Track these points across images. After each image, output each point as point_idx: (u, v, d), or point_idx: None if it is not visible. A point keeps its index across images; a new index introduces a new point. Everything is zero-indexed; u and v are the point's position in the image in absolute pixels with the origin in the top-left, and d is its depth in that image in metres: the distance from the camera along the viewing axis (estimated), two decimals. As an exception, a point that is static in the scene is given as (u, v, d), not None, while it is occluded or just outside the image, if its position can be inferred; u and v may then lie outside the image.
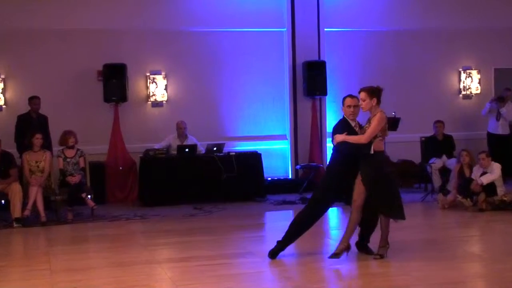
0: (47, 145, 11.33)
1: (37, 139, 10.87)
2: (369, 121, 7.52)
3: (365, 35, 14.10)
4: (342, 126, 7.67)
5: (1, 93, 12.55)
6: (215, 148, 12.41)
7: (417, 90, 14.30)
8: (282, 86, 13.74)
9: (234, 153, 12.50)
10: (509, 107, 13.61)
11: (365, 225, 7.78)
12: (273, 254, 7.66)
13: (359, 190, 7.46)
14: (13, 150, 11.43)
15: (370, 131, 7.38)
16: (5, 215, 10.59)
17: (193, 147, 12.32)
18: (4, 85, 12.58)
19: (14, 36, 12.57)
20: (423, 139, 13.36)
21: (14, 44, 12.62)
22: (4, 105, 12.59)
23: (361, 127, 7.63)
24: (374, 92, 7.51)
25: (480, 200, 10.77)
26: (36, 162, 10.84)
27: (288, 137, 13.76)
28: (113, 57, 12.63)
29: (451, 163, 12.38)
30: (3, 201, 10.77)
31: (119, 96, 12.59)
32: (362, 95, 7.51)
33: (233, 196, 12.12)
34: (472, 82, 14.63)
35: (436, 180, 12.57)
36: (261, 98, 13.63)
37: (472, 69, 14.64)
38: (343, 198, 8.64)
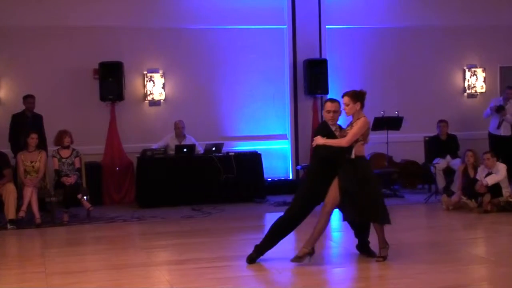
0: (42, 145, 11.21)
1: (32, 139, 10.79)
2: (351, 124, 7.42)
3: (367, 33, 14.03)
4: (322, 130, 7.57)
5: (-5, 92, 12.52)
6: (214, 148, 12.36)
7: (421, 89, 14.24)
8: (282, 85, 13.67)
9: (233, 153, 12.45)
10: (511, 106, 13.42)
11: (357, 227, 7.70)
12: (251, 260, 7.54)
13: (333, 195, 7.33)
14: (7, 150, 11.36)
15: (351, 134, 7.29)
16: (-1, 217, 10.55)
17: (191, 147, 12.26)
18: (-2, 83, 12.54)
19: (9, 34, 12.51)
20: (426, 139, 13.30)
21: (8, 42, 12.56)
22: (-2, 104, 12.55)
23: (341, 130, 7.52)
24: (358, 96, 7.41)
25: (485, 201, 10.72)
26: (31, 162, 10.76)
27: (288, 136, 13.71)
28: (109, 55, 12.58)
29: (455, 163, 12.32)
30: (-3, 202, 10.68)
31: (116, 95, 12.55)
32: (346, 99, 7.42)
33: (232, 197, 12.11)
34: (477, 81, 14.53)
35: (440, 181, 12.51)
36: (261, 97, 13.57)
37: (477, 67, 14.55)
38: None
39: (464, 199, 10.90)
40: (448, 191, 12.00)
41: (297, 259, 7.37)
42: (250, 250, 7.84)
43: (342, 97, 7.47)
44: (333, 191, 7.33)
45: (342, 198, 7.29)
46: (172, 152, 12.31)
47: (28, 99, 11.65)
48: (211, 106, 13.39)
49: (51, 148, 11.22)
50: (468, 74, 14.51)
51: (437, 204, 11.44)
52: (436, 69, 14.38)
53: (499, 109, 13.17)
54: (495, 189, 10.79)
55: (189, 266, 7.56)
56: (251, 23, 13.42)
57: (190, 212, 11.35)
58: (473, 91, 14.55)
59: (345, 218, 7.47)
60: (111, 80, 12.41)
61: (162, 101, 13.15)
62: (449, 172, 12.55)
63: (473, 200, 10.79)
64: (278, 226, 7.64)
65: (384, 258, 7.47)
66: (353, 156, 7.31)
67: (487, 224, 10.03)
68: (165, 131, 12.69)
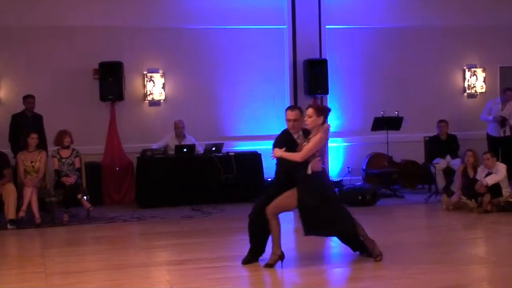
0: (42, 145, 11.19)
1: (32, 139, 10.77)
2: (309, 139, 7.31)
3: (367, 33, 14.00)
4: (283, 138, 7.53)
5: (-5, 92, 12.50)
6: (214, 148, 12.33)
7: (421, 89, 14.21)
8: (282, 85, 13.65)
9: (233, 153, 12.44)
10: (510, 107, 13.36)
11: (343, 236, 7.63)
12: (246, 261, 7.55)
13: (283, 202, 7.27)
14: (7, 150, 11.34)
15: (306, 150, 7.20)
16: (-1, 217, 10.54)
17: (191, 147, 12.23)
18: (-2, 83, 12.52)
19: (8, 33, 12.49)
20: (426, 139, 13.27)
21: (8, 41, 12.54)
22: (-2, 104, 12.53)
23: (304, 138, 7.41)
24: (322, 111, 7.33)
25: (485, 201, 10.69)
26: (31, 162, 10.73)
27: (288, 137, 13.58)
28: (109, 55, 12.57)
29: (455, 163, 12.31)
30: (-3, 202, 10.66)
31: (116, 95, 12.52)
32: (310, 111, 7.32)
33: (232, 197, 12.08)
34: (477, 81, 14.50)
35: (440, 181, 12.49)
36: (261, 97, 13.54)
37: (477, 67, 14.51)
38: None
39: (464, 199, 10.88)
40: (448, 191, 11.99)
41: (269, 266, 7.30)
42: (250, 250, 7.83)
43: (307, 108, 7.38)
44: (285, 199, 7.27)
45: (301, 212, 7.26)
46: (172, 152, 12.28)
47: (28, 99, 11.63)
48: (211, 106, 13.36)
49: (51, 148, 11.20)
50: (468, 74, 14.48)
51: (437, 204, 11.41)
52: (436, 69, 14.35)
53: (503, 122, 13.08)
54: (495, 189, 10.78)
55: (189, 266, 7.54)
56: (251, 23, 13.39)
57: (190, 212, 11.33)
58: (473, 91, 14.51)
59: (305, 233, 7.32)
60: (111, 80, 12.39)
61: (162, 101, 13.12)
62: (449, 172, 12.52)
63: (473, 200, 10.76)
64: (250, 227, 7.64)
65: (379, 254, 7.42)
66: (309, 171, 7.20)
67: (487, 224, 9.99)
68: (165, 131, 12.66)
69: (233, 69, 13.43)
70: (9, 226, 10.10)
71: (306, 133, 7.41)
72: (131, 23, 12.89)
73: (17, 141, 11.17)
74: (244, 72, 13.44)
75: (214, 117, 13.37)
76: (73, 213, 10.94)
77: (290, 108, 7.57)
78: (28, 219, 10.39)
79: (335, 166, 13.81)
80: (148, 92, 13.04)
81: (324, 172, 7.41)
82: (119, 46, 12.83)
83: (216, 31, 13.32)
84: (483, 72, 14.50)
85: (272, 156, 7.41)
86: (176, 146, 12.22)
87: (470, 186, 10.91)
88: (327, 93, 13.39)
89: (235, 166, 12.11)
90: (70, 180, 10.66)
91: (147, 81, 13.03)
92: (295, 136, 7.47)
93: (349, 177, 13.44)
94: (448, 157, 12.75)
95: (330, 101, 13.62)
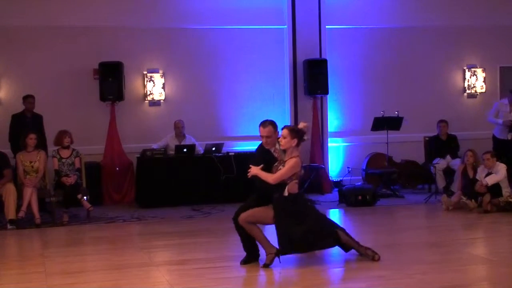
0: (42, 145, 11.18)
1: (31, 139, 10.75)
2: (283, 162, 7.29)
3: (367, 33, 14.00)
4: (260, 153, 7.53)
5: (-5, 92, 12.50)
6: (213, 148, 12.32)
7: (421, 89, 14.21)
8: (282, 85, 13.64)
9: (233, 153, 12.41)
10: None
11: (340, 243, 7.62)
12: (244, 262, 7.57)
13: (258, 215, 7.32)
14: (7, 150, 11.33)
15: (280, 174, 7.21)
16: (-1, 217, 10.52)
17: (191, 147, 12.22)
18: (-2, 83, 12.52)
19: (8, 33, 12.49)
20: (426, 139, 13.27)
21: (8, 41, 12.54)
22: (-2, 104, 12.52)
23: (281, 153, 7.38)
24: (297, 133, 7.30)
25: (485, 201, 10.68)
26: (30, 162, 10.72)
27: (288, 137, 13.57)
28: (109, 55, 12.56)
29: (455, 163, 12.30)
30: (-3, 202, 10.65)
31: (116, 95, 12.51)
32: (284, 132, 7.28)
33: (232, 197, 11.94)
34: (477, 81, 14.50)
35: (440, 181, 12.50)
36: (261, 97, 13.54)
37: (477, 68, 14.51)
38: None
39: (464, 199, 10.86)
40: (448, 191, 12.01)
41: (266, 266, 7.33)
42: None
43: (282, 129, 7.34)
44: (258, 211, 7.31)
45: (277, 231, 7.27)
46: (172, 152, 12.27)
47: (28, 99, 11.62)
48: (211, 106, 13.36)
49: (51, 148, 11.19)
50: (468, 74, 14.47)
51: (437, 204, 11.39)
52: (436, 69, 14.34)
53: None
54: (495, 189, 10.77)
55: (189, 266, 7.53)
56: (251, 23, 13.39)
57: (190, 212, 11.32)
58: (473, 91, 14.50)
59: (281, 252, 7.33)
60: (111, 80, 12.38)
61: (162, 101, 13.12)
62: (449, 172, 12.53)
63: (473, 200, 10.75)
64: (240, 237, 7.64)
65: (373, 255, 7.43)
66: (286, 193, 7.23)
67: (487, 224, 9.99)
68: (165, 131, 12.65)
69: (233, 69, 13.42)
70: (9, 226, 10.09)
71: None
72: (131, 23, 12.88)
73: (17, 141, 11.12)
74: (244, 72, 13.44)
75: (214, 117, 13.36)
76: (73, 213, 10.93)
77: (262, 124, 7.47)
78: (28, 219, 10.38)
79: (335, 166, 13.82)
80: (148, 92, 13.03)
81: (301, 194, 7.47)
82: (119, 46, 12.83)
83: (216, 31, 13.31)
84: (483, 72, 14.49)
85: (248, 174, 7.38)
86: (176, 146, 12.21)
87: (470, 186, 10.91)
88: (327, 93, 13.38)
89: (235, 166, 12.06)
90: (70, 180, 10.65)
91: (147, 81, 13.02)
92: (272, 150, 7.47)
93: (349, 177, 13.43)
94: (448, 157, 12.74)
95: (330, 101, 13.66)
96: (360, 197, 11.56)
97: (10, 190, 10.27)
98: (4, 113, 12.13)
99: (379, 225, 10.16)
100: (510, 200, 10.68)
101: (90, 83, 12.68)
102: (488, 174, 10.86)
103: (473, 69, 14.45)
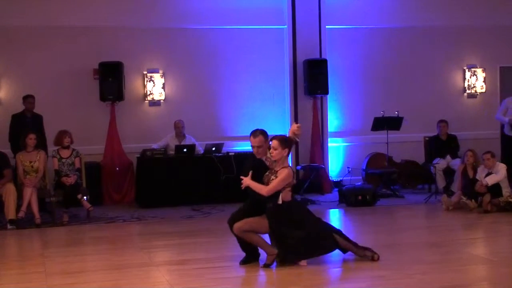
0: (42, 145, 11.17)
1: (31, 139, 10.74)
2: (275, 172, 7.29)
3: (367, 33, 14.00)
4: (252, 162, 7.53)
5: (-5, 92, 12.49)
6: (213, 148, 12.31)
7: (421, 89, 14.20)
8: (282, 85, 13.64)
9: (233, 153, 12.39)
10: None
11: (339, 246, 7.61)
12: (243, 262, 7.57)
13: (253, 225, 7.31)
14: (7, 150, 11.32)
15: (273, 186, 7.22)
16: (-1, 217, 10.51)
17: (191, 147, 12.22)
18: (-2, 83, 12.51)
19: (9, 34, 12.48)
20: (426, 139, 13.26)
21: (8, 42, 12.53)
22: (-2, 104, 12.52)
23: (273, 162, 7.36)
24: (287, 143, 7.32)
25: (485, 201, 10.66)
26: (30, 162, 10.71)
27: (288, 137, 13.58)
28: (109, 55, 12.56)
29: (455, 163, 12.29)
30: (-3, 202, 10.64)
31: (116, 95, 12.51)
32: (275, 144, 7.27)
33: (232, 197, 11.87)
34: (477, 81, 14.49)
35: (440, 181, 12.50)
36: (261, 97, 13.54)
37: (477, 68, 14.50)
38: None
39: (464, 199, 10.85)
40: (448, 191, 12.00)
41: (267, 266, 7.33)
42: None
43: (271, 140, 7.32)
44: (253, 220, 7.31)
45: (276, 240, 7.30)
46: (172, 152, 12.26)
47: (28, 99, 11.61)
48: (211, 106, 13.35)
49: (51, 148, 11.18)
50: (468, 74, 14.46)
51: (437, 204, 11.38)
52: (436, 69, 14.34)
53: None
54: (495, 189, 10.76)
55: (189, 266, 7.52)
56: (251, 23, 13.38)
57: (190, 212, 11.31)
58: (473, 91, 14.50)
59: (280, 260, 7.34)
60: (111, 80, 12.38)
61: (162, 101, 13.11)
62: (449, 172, 12.52)
63: (473, 200, 10.74)
64: (237, 241, 7.63)
65: (374, 254, 7.43)
66: (280, 201, 7.24)
67: (487, 224, 9.98)
68: (165, 131, 12.64)
69: (233, 69, 13.41)
70: (9, 226, 10.08)
71: None
72: (131, 23, 12.88)
73: (17, 141, 11.12)
74: (244, 72, 13.44)
75: (214, 117, 13.36)
76: (73, 213, 10.92)
77: (253, 134, 7.46)
78: (28, 219, 10.37)
79: (335, 166, 13.81)
80: (148, 92, 13.03)
81: (295, 201, 7.48)
82: (119, 46, 12.82)
83: (216, 31, 13.30)
84: (483, 72, 14.48)
85: (242, 185, 7.38)
86: (176, 146, 12.20)
87: (470, 186, 10.90)
88: (327, 93, 13.38)
89: (235, 166, 12.04)
90: (70, 180, 10.64)
91: (147, 81, 13.02)
92: (264, 159, 7.46)
93: (349, 177, 13.43)
94: (448, 157, 12.74)
95: (330, 101, 13.66)
96: (360, 197, 11.55)
97: (10, 190, 10.25)
98: (4, 113, 12.13)
99: (379, 225, 10.15)
100: (510, 200, 10.66)
101: (90, 83, 12.67)
102: (488, 174, 10.85)
103: (473, 69, 14.45)
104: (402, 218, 10.91)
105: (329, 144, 13.69)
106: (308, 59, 13.32)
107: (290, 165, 7.52)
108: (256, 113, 13.43)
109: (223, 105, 13.42)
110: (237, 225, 7.34)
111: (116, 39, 12.88)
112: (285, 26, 13.51)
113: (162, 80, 13.07)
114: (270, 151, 7.30)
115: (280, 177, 7.22)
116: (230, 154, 12.32)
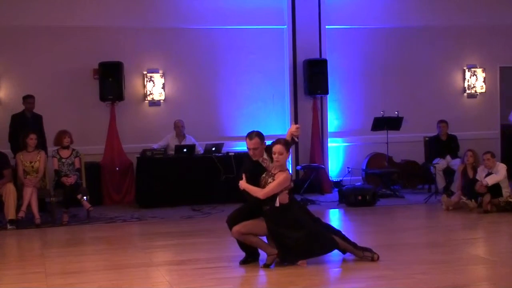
0: (42, 145, 11.17)
1: (31, 139, 10.73)
2: (272, 175, 7.28)
3: (367, 33, 14.00)
4: (248, 164, 7.51)
5: (-5, 92, 12.48)
6: (213, 148, 12.30)
7: (421, 89, 14.21)
8: (282, 85, 13.64)
9: (233, 153, 12.36)
10: None
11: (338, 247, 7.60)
12: (243, 262, 7.57)
13: (252, 228, 7.32)
14: (7, 150, 11.30)
15: (269, 189, 7.22)
16: (-1, 217, 10.51)
17: (191, 147, 12.21)
18: (-2, 83, 12.50)
19: (8, 33, 12.47)
20: (426, 139, 13.26)
21: (8, 41, 12.52)
22: (-2, 104, 12.51)
23: (270, 157, 7.34)
24: (289, 145, 7.33)
25: (485, 201, 10.66)
26: (30, 162, 10.70)
27: (288, 137, 13.57)
28: (109, 55, 12.54)
29: (455, 163, 12.29)
30: (-3, 202, 10.63)
31: (116, 95, 12.50)
32: (280, 148, 7.21)
33: (232, 197, 11.87)
34: (477, 81, 14.49)
35: (440, 181, 12.51)
36: (261, 97, 13.54)
37: (477, 68, 14.50)
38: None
39: (464, 199, 10.85)
40: (448, 191, 12.00)
41: (267, 266, 7.34)
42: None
43: (274, 144, 7.27)
44: (251, 223, 7.31)
45: (275, 242, 7.31)
46: (172, 152, 12.26)
47: (28, 99, 11.60)
48: (211, 106, 13.35)
49: (51, 148, 11.17)
50: (468, 74, 14.46)
51: (437, 204, 11.38)
52: (436, 69, 14.33)
53: None
54: (495, 189, 10.75)
55: (189, 266, 7.52)
56: (251, 23, 13.38)
57: (190, 212, 11.31)
58: (473, 91, 14.50)
59: (281, 260, 7.36)
60: (111, 80, 12.37)
61: (162, 101, 13.11)
62: (449, 172, 12.52)
63: (473, 200, 10.74)
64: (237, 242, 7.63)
65: (374, 254, 7.43)
66: (277, 204, 7.24)
67: (487, 224, 9.98)
68: (165, 131, 12.64)
69: (233, 69, 13.41)
70: (9, 226, 10.07)
71: (271, 152, 7.34)
72: (131, 23, 12.88)
73: (17, 141, 11.12)
74: (244, 72, 13.43)
75: (214, 117, 13.35)
76: (73, 213, 10.91)
77: (248, 136, 7.43)
78: (28, 219, 10.35)
79: (335, 166, 13.81)
80: (148, 92, 13.03)
81: (292, 202, 7.45)
82: (119, 46, 12.82)
83: (216, 31, 13.30)
84: (483, 72, 14.48)
85: (240, 186, 7.39)
86: (176, 146, 12.19)
87: (470, 186, 10.88)
88: (327, 93, 13.38)
89: (235, 166, 12.02)
90: (70, 180, 10.63)
91: (147, 81, 13.02)
92: (260, 160, 7.44)
93: (349, 177, 13.41)
94: (448, 157, 12.74)
95: (330, 101, 13.66)
96: (360, 197, 11.55)
97: (10, 190, 10.23)
98: (4, 113, 12.12)
99: (379, 225, 10.15)
100: (510, 200, 10.66)
101: (90, 83, 12.67)
102: (488, 174, 10.84)
103: (473, 69, 14.44)
104: (402, 218, 10.91)
105: (329, 144, 13.69)
106: (308, 59, 13.32)
107: (290, 165, 7.52)
108: (256, 113, 13.43)
109: (223, 105, 13.42)
110: (235, 229, 7.35)
111: (116, 39, 12.87)
112: (285, 26, 13.51)
113: (162, 80, 13.06)
114: (274, 156, 7.23)
115: (277, 181, 7.22)
116: (230, 154, 12.29)
